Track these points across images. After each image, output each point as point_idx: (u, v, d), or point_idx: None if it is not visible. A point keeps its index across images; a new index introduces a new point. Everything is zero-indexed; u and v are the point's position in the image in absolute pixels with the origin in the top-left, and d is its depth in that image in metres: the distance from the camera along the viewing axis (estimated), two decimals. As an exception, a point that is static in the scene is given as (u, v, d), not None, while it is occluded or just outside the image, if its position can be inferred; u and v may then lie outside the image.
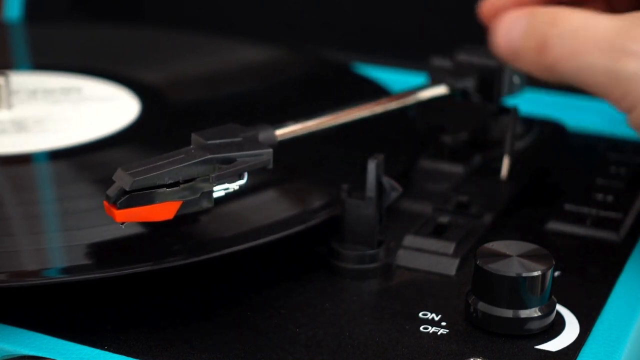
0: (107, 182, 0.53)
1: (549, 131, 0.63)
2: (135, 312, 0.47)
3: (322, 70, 0.70)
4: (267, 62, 0.71)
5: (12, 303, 0.47)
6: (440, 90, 0.58)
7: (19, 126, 0.60)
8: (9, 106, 0.62)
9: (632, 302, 0.48)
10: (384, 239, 0.50)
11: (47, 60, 0.70)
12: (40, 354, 0.44)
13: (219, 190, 0.46)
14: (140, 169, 0.44)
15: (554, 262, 0.45)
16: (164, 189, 0.44)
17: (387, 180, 0.50)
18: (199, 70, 0.69)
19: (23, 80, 0.66)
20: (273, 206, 0.51)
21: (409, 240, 0.51)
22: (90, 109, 0.62)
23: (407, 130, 0.59)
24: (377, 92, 0.65)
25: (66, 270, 0.46)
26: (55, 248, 0.48)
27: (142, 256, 0.46)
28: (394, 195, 0.50)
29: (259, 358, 0.44)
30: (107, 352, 0.44)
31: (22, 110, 0.62)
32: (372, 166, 0.49)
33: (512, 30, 0.52)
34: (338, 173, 0.55)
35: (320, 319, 0.47)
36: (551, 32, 0.50)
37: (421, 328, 0.46)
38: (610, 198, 0.56)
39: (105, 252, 0.47)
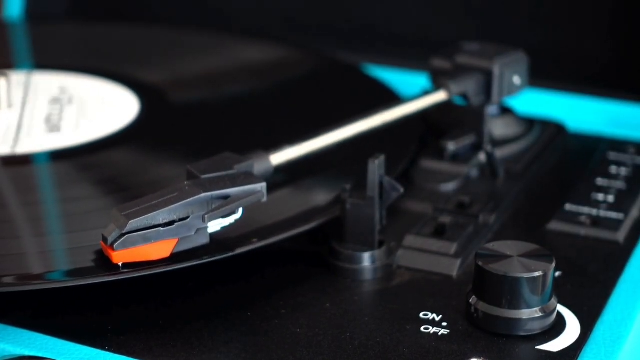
0: (107, 182, 0.53)
1: (549, 131, 0.63)
2: (135, 312, 0.47)
3: (325, 70, 0.70)
4: (268, 61, 0.71)
5: (12, 303, 0.47)
6: (439, 97, 0.58)
7: (19, 126, 0.60)
8: (9, 106, 0.62)
9: (633, 303, 0.48)
10: (385, 239, 0.50)
11: (47, 60, 0.70)
12: (40, 354, 0.44)
13: (214, 226, 0.47)
14: (135, 209, 0.45)
15: (554, 263, 0.45)
16: (159, 228, 0.45)
17: (387, 180, 0.49)
18: (200, 69, 0.69)
19: (23, 80, 0.66)
20: (273, 207, 0.51)
21: (410, 240, 0.51)
22: (91, 108, 0.62)
23: (408, 130, 0.59)
24: (383, 93, 0.65)
25: (68, 274, 0.46)
26: (57, 251, 0.48)
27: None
28: (394, 195, 0.50)
29: (259, 358, 0.44)
30: (107, 352, 0.44)
31: (22, 110, 0.62)
32: (372, 166, 0.49)
33: None
34: (338, 173, 0.55)
35: (320, 319, 0.46)
36: None
37: (422, 328, 0.46)
38: (610, 198, 0.56)
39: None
